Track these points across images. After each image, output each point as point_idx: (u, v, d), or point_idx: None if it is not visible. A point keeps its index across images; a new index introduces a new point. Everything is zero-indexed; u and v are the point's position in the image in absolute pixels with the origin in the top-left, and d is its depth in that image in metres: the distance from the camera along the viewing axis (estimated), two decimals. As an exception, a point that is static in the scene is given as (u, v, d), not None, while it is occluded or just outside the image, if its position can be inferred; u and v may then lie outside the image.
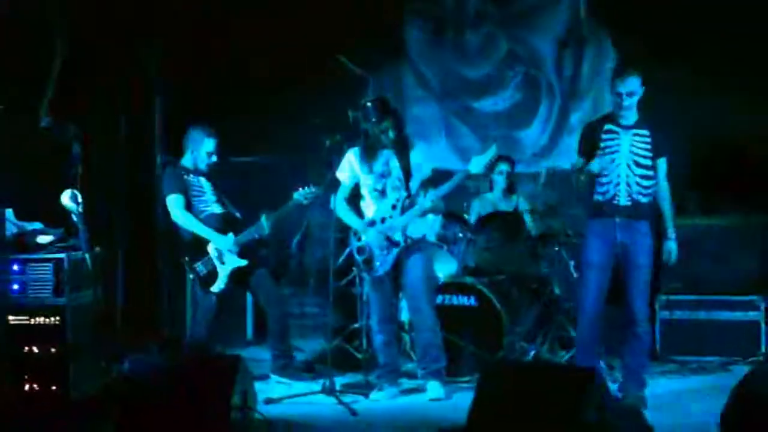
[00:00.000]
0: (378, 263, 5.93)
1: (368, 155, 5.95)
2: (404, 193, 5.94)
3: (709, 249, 6.97)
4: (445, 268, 6.73)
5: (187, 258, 6.28)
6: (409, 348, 6.44)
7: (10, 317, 5.26)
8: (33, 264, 5.38)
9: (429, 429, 5.09)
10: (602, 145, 5.45)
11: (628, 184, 5.43)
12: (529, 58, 8.02)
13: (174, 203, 6.28)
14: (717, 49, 7.43)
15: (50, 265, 5.36)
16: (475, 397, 4.34)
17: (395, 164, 5.95)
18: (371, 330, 6.19)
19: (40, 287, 5.35)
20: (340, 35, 8.08)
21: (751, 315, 6.86)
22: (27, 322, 5.31)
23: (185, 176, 6.34)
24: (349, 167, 6.03)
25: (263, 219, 6.23)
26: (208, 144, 6.37)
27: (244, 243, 6.29)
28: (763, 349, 6.80)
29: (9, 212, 5.57)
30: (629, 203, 5.44)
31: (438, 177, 6.14)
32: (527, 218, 7.09)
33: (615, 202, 5.46)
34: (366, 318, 6.50)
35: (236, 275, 6.28)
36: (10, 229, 5.52)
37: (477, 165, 5.84)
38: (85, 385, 5.42)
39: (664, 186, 5.57)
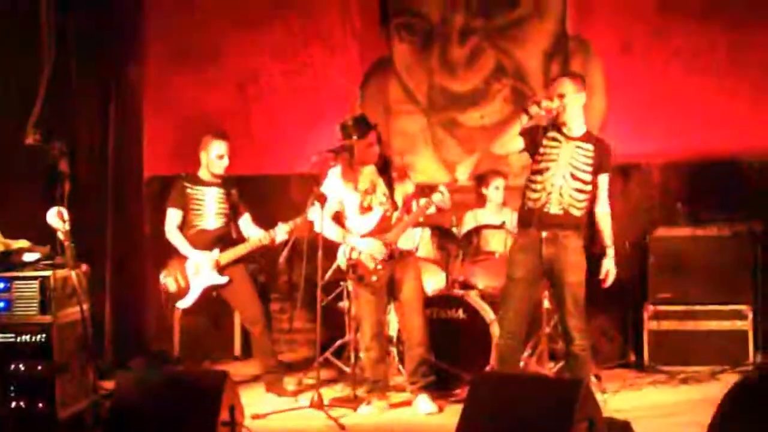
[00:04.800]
0: (375, 278, 5.90)
1: (351, 173, 5.95)
2: (390, 207, 5.95)
3: (697, 259, 6.98)
4: (432, 282, 6.73)
5: (164, 272, 6.41)
6: (398, 362, 6.43)
7: (-4, 335, 5.24)
8: (19, 282, 5.33)
9: (418, 443, 5.08)
10: (541, 150, 5.46)
11: (561, 194, 5.41)
12: (516, 71, 8.03)
13: (167, 218, 6.44)
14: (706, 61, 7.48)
15: (36, 282, 5.31)
16: (463, 410, 4.33)
17: (379, 180, 5.95)
18: (361, 345, 6.17)
19: (26, 305, 5.30)
20: (327, 49, 8.10)
21: (739, 324, 6.87)
22: (13, 339, 5.28)
23: (189, 190, 6.42)
24: (332, 186, 6.01)
25: (279, 225, 6.32)
26: (217, 147, 6.40)
27: (228, 261, 6.37)
28: (751, 358, 6.81)
29: (-6, 230, 5.55)
30: (560, 212, 5.41)
31: (425, 190, 6.16)
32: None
33: (546, 209, 5.42)
34: (354, 332, 6.48)
35: (210, 291, 6.38)
36: (-4, 246, 5.51)
37: (462, 173, 5.88)
38: (72, 402, 5.38)
39: (604, 202, 5.53)
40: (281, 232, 6.31)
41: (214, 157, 6.42)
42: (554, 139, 5.45)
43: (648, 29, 7.62)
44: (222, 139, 6.44)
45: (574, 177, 5.40)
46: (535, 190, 5.46)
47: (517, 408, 4.26)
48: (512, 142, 5.48)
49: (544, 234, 5.41)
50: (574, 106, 5.43)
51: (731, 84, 7.42)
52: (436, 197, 5.86)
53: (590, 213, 5.52)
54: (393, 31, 8.21)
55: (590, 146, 5.44)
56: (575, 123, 5.46)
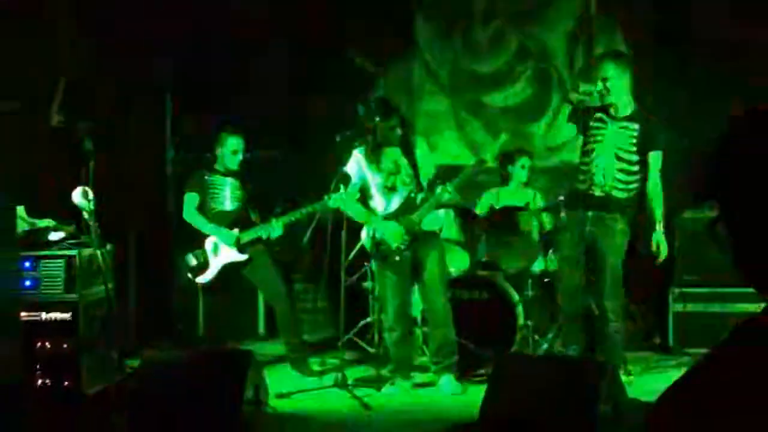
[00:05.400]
0: (398, 258, 5.90)
1: (375, 154, 5.94)
2: (415, 188, 5.93)
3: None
4: (457, 263, 6.72)
5: (188, 249, 6.51)
6: (422, 342, 6.43)
7: (23, 313, 5.26)
8: (45, 260, 5.40)
9: (442, 423, 5.08)
10: (588, 132, 5.43)
11: (604, 176, 5.37)
12: (540, 52, 7.97)
13: (186, 201, 6.55)
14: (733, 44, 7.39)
15: (62, 261, 5.37)
16: (487, 392, 4.33)
17: (403, 161, 5.94)
18: (384, 325, 6.17)
19: (52, 283, 5.37)
20: (351, 31, 8.06)
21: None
22: (39, 318, 5.32)
23: (207, 176, 6.55)
24: (356, 166, 6.00)
25: (273, 222, 6.36)
26: (232, 143, 6.49)
27: (248, 240, 6.42)
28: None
29: (21, 209, 5.57)
30: (603, 194, 5.39)
31: (450, 171, 6.13)
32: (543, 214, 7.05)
33: (591, 191, 5.41)
34: (378, 312, 6.48)
35: (231, 269, 6.43)
36: (22, 226, 5.53)
37: (489, 154, 5.87)
38: (97, 380, 5.43)
39: (655, 180, 5.45)
40: (277, 227, 6.35)
41: (229, 152, 6.50)
42: (600, 120, 5.42)
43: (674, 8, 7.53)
44: (237, 135, 6.53)
45: (618, 158, 5.37)
46: (583, 172, 5.46)
47: (541, 389, 4.25)
48: (562, 131, 5.47)
49: (589, 214, 5.40)
50: (619, 87, 5.36)
51: (755, 67, 7.32)
52: (444, 197, 5.84)
53: (641, 193, 5.47)
54: (417, 12, 8.18)
55: (636, 125, 5.39)
56: (621, 103, 5.41)
